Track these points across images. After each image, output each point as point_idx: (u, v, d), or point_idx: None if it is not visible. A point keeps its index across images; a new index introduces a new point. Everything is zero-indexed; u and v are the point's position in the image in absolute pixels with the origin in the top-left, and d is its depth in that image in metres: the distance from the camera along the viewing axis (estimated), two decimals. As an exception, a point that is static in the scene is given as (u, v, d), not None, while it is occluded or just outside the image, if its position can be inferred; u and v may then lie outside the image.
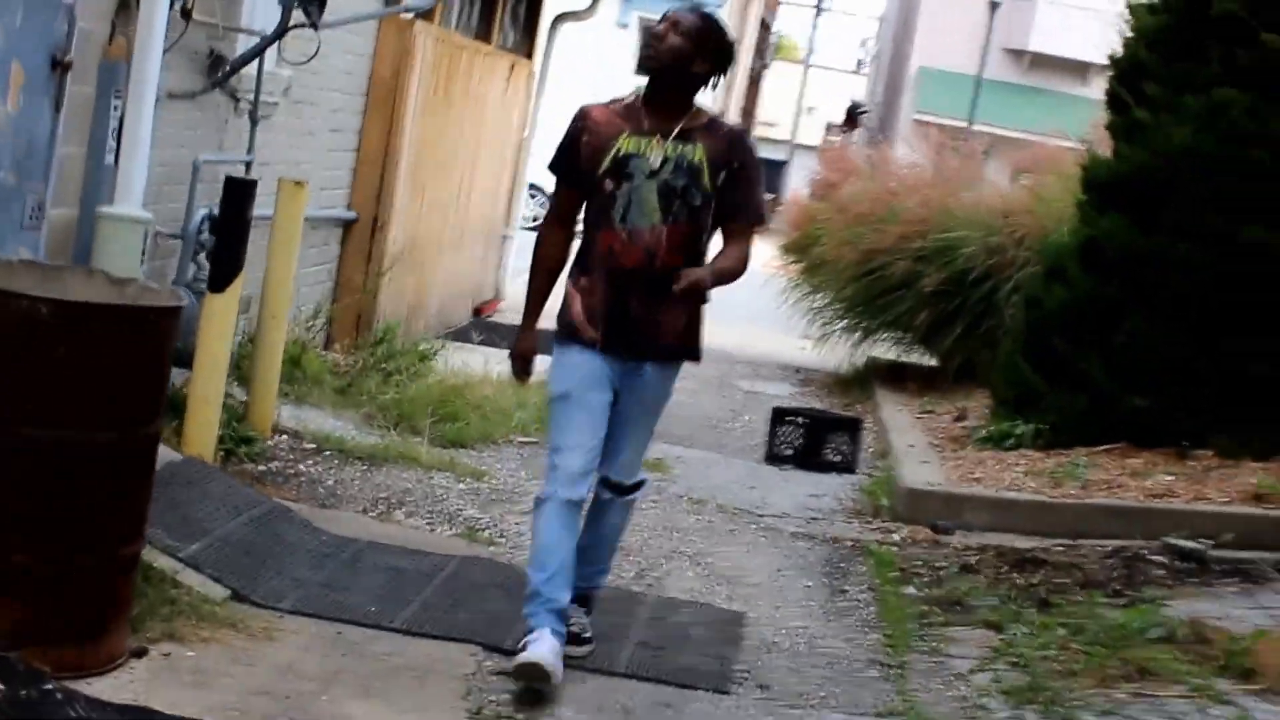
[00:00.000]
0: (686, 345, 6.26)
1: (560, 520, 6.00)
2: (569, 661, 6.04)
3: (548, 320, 6.32)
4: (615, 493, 6.33)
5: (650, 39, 6.07)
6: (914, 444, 12.21)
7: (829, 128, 64.02)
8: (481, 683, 6.04)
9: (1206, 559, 9.16)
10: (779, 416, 12.09)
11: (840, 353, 17.44)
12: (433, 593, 6.87)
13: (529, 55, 16.71)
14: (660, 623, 7.14)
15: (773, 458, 11.89)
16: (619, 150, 6.01)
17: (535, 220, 20.47)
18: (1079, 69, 38.34)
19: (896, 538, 9.58)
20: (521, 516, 8.52)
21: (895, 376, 16.46)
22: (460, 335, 14.34)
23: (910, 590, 8.47)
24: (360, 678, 5.84)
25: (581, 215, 6.25)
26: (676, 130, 6.06)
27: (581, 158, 6.08)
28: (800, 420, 12.22)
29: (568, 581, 6.03)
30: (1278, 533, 9.70)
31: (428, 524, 8.19)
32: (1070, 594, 8.52)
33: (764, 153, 43.85)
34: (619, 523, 6.50)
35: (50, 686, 4.66)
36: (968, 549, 9.33)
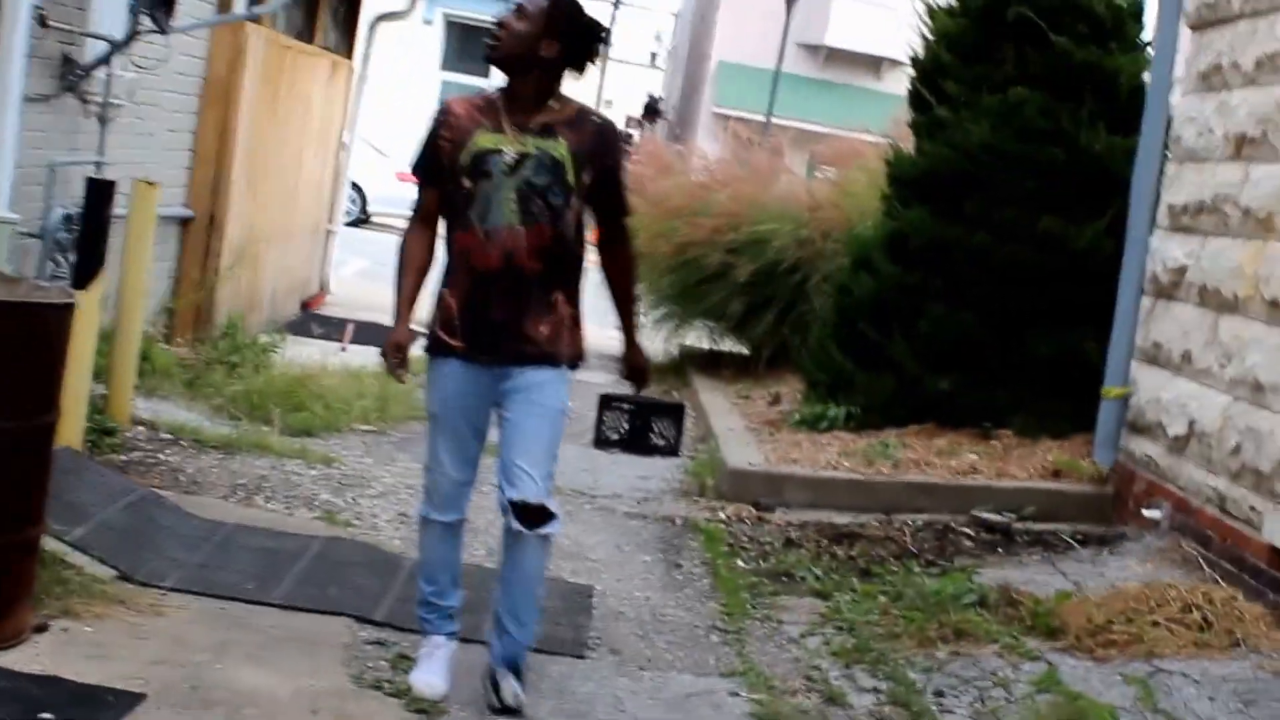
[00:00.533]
0: (560, 350, 5.83)
1: (441, 541, 5.95)
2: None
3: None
4: (522, 520, 5.74)
5: (495, 27, 5.73)
6: (733, 427, 12.51)
7: (628, 121, 64.00)
8: (359, 651, 6.41)
9: (1011, 531, 9.71)
10: (605, 403, 12.30)
11: (657, 342, 17.37)
12: (303, 570, 7.21)
13: (349, 55, 16.86)
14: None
15: (601, 442, 11.95)
16: (476, 147, 5.64)
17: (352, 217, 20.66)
18: (873, 64, 38.48)
19: (723, 515, 9.93)
20: (374, 500, 8.96)
21: (711, 364, 16.73)
22: (296, 328, 14.56)
23: (740, 563, 8.93)
24: (249, 648, 6.17)
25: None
26: (537, 125, 5.68)
27: (442, 154, 5.72)
28: (626, 406, 12.50)
29: (455, 584, 6.02)
30: (1074, 506, 10.21)
31: (286, 508, 8.46)
32: (888, 564, 9.04)
33: None
34: (536, 566, 5.96)
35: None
36: (790, 525, 9.76)
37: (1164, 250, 10.35)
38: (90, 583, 6.44)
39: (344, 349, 14.01)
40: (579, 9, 5.85)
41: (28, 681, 5.37)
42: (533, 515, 5.74)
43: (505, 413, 5.78)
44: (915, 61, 13.56)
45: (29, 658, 5.61)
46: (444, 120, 5.75)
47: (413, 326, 5.82)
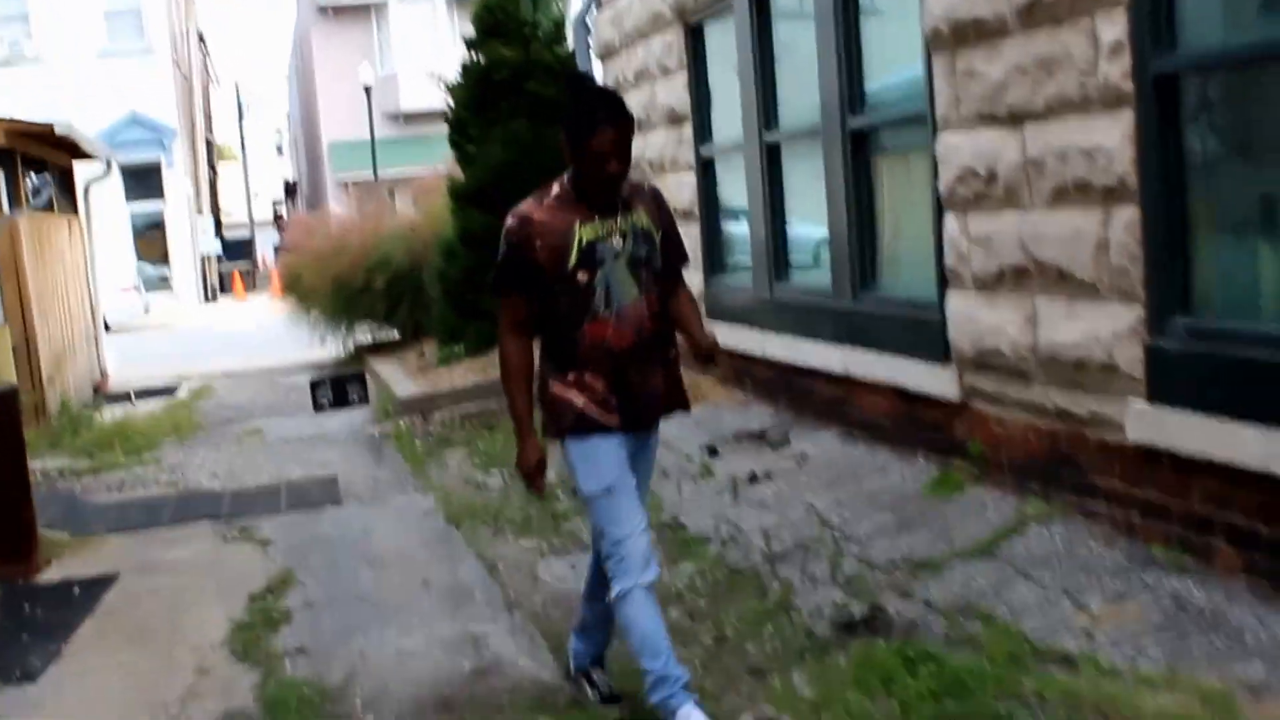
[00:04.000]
0: (677, 395, 4.99)
1: (647, 605, 4.70)
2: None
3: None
4: None
5: (606, 157, 4.61)
6: (398, 377, 14.57)
7: (275, 204, 64.55)
8: (218, 531, 8.72)
9: None
10: (314, 385, 14.51)
11: (336, 347, 19.31)
12: (171, 510, 9.50)
13: (76, 212, 18.20)
14: (296, 489, 9.89)
15: (318, 407, 14.17)
16: (580, 240, 4.64)
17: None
18: (439, 116, 40.52)
19: (403, 425, 12.06)
20: (193, 473, 10.97)
21: (376, 349, 18.49)
22: (99, 402, 16.29)
23: (418, 444, 11.25)
24: (160, 544, 8.50)
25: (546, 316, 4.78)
26: (618, 204, 4.75)
27: (537, 261, 4.65)
28: (327, 383, 14.59)
29: (673, 653, 4.79)
30: None
31: (144, 488, 10.47)
32: (503, 420, 11.50)
33: (229, 234, 44.21)
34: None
35: None
36: (444, 420, 12.01)
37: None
38: (60, 540, 8.62)
39: (134, 405, 15.83)
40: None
41: (52, 588, 7.65)
42: None
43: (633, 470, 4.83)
44: (447, 118, 15.67)
45: (48, 578, 7.85)
46: (529, 231, 4.68)
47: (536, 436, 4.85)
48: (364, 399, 14.28)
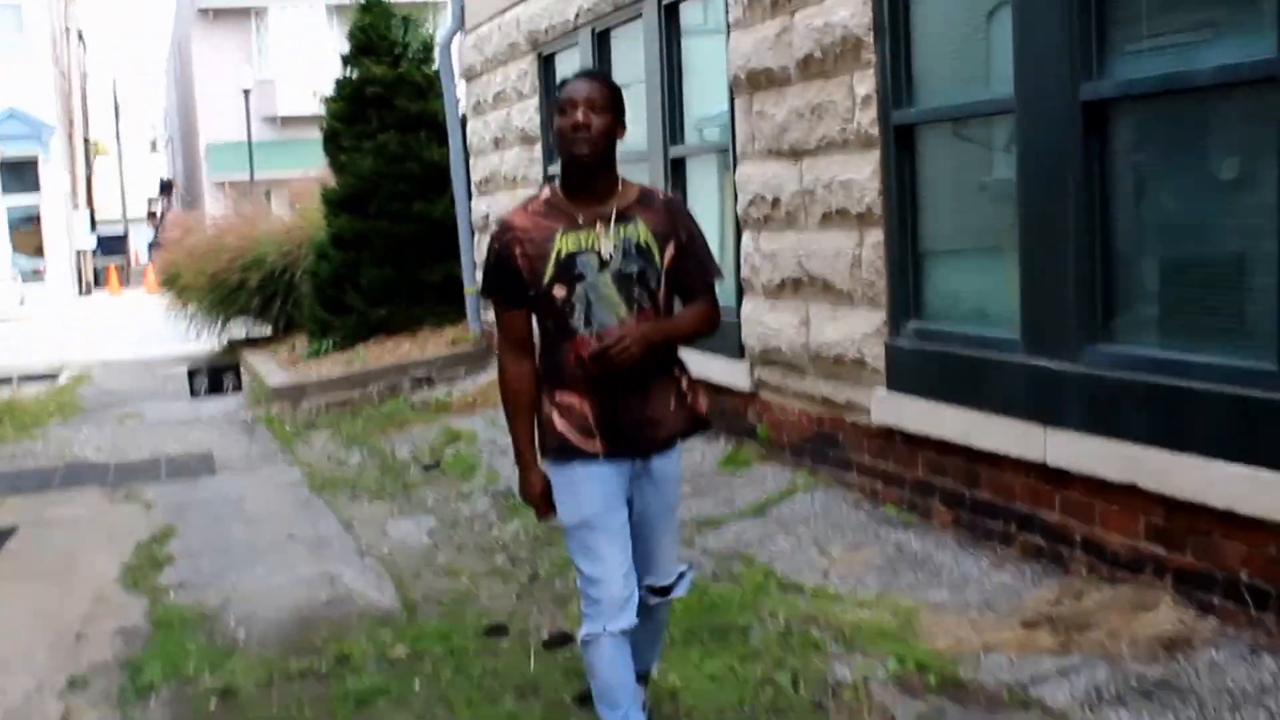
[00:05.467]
0: (681, 423, 4.35)
1: (614, 653, 4.25)
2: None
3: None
4: (661, 595, 4.51)
5: (568, 129, 4.14)
6: (270, 368, 15.26)
7: (150, 201, 64.50)
8: (106, 495, 9.72)
9: (433, 379, 13.37)
10: (191, 373, 15.31)
11: (211, 341, 19.74)
12: (61, 476, 10.44)
13: None
14: (175, 462, 10.83)
15: (194, 393, 15.00)
16: (559, 252, 4.16)
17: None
18: (315, 121, 40.65)
19: (273, 411, 13.02)
20: (79, 448, 11.81)
21: (249, 343, 18.97)
22: None
23: (287, 428, 12.23)
24: (53, 504, 9.47)
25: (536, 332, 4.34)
26: (613, 213, 4.21)
27: (520, 272, 4.20)
28: (204, 371, 15.42)
29: (636, 705, 4.40)
30: (467, 360, 13.53)
31: (35, 460, 11.30)
32: (365, 407, 12.71)
33: (102, 231, 43.87)
34: (666, 615, 4.72)
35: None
36: (311, 408, 13.03)
37: (479, 208, 14.27)
38: None
39: (16, 388, 16.62)
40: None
41: None
42: (665, 589, 4.50)
43: (638, 506, 4.36)
44: (323, 129, 16.59)
45: None
46: (511, 237, 4.23)
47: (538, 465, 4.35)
48: (238, 388, 15.15)
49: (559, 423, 4.23)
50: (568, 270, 4.15)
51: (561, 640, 5.78)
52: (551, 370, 4.26)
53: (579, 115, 4.11)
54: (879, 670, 4.99)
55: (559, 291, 4.16)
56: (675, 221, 4.30)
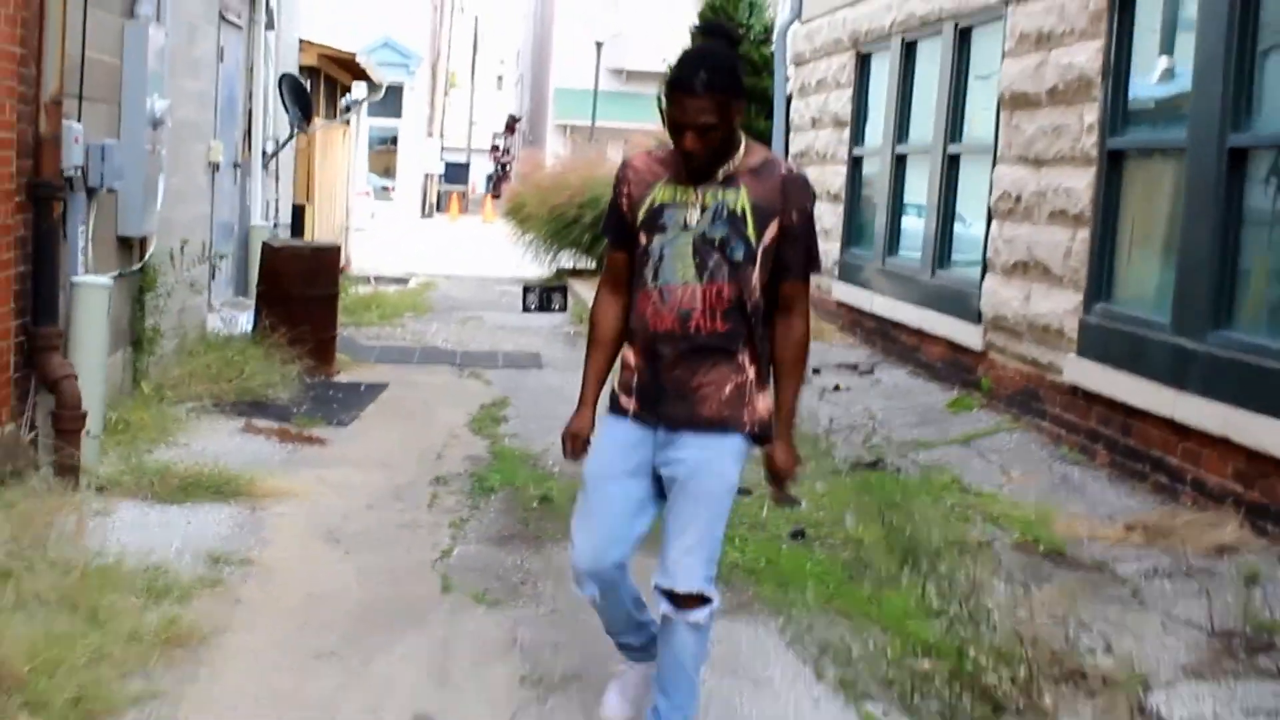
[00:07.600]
0: (738, 415, 4.10)
1: (598, 604, 4.27)
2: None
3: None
4: (672, 605, 4.08)
5: (678, 140, 3.99)
6: (590, 294, 17.56)
7: (494, 135, 67.68)
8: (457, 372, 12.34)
9: None
10: (525, 290, 17.70)
11: (541, 268, 21.99)
12: (420, 354, 13.09)
13: (347, 124, 21.94)
14: (509, 356, 13.22)
15: (526, 308, 17.31)
16: (653, 200, 4.08)
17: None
18: (659, 77, 42.71)
19: None
20: (433, 336, 14.56)
21: (575, 273, 21.23)
22: (355, 281, 19.74)
23: None
24: (415, 371, 12.16)
25: None
26: (720, 174, 4.04)
27: (625, 211, 4.17)
28: (536, 289, 17.80)
29: (629, 627, 4.42)
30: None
31: (403, 342, 14.21)
32: None
33: (446, 159, 47.36)
34: (688, 650, 4.17)
35: None
36: None
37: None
38: (345, 361, 12.03)
39: (376, 287, 19.41)
40: (734, 54, 4.22)
41: (347, 385, 11.10)
42: (682, 601, 4.08)
43: (668, 488, 4.14)
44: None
45: (341, 379, 11.32)
46: (624, 176, 4.22)
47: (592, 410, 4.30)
48: (564, 308, 17.53)
49: (619, 375, 4.22)
50: (654, 220, 4.09)
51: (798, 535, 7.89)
52: (630, 321, 4.20)
53: (687, 141, 3.97)
54: (1005, 539, 7.00)
55: (643, 239, 4.12)
56: (788, 198, 4.07)
